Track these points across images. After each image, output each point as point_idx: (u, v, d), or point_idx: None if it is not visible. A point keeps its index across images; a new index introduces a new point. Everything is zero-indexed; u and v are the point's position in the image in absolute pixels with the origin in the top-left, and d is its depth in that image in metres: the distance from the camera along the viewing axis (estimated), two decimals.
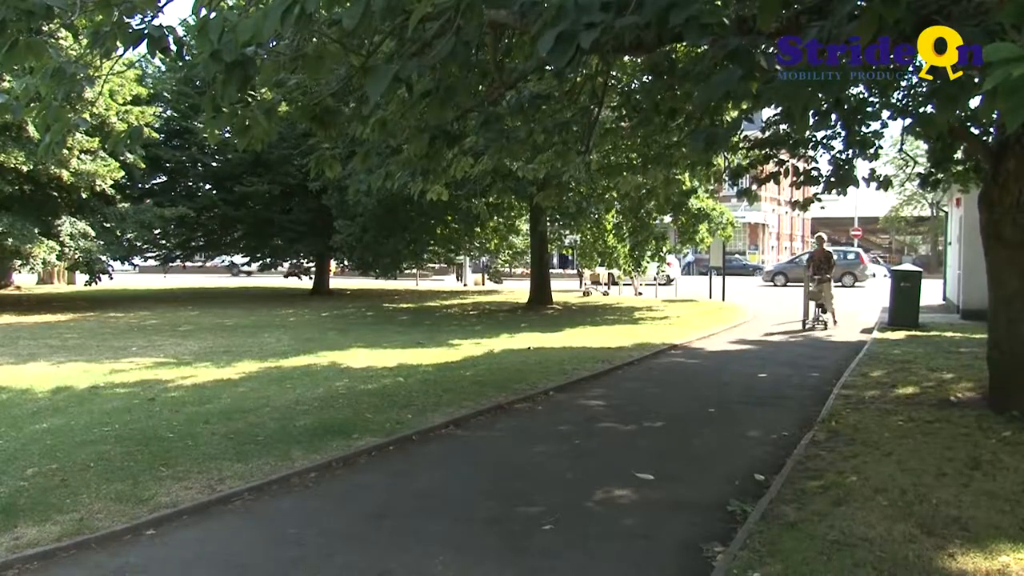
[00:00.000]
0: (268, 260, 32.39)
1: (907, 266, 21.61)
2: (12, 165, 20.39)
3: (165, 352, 13.15)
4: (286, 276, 34.19)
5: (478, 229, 28.15)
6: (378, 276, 30.54)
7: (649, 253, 25.00)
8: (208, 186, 30.52)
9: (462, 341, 14.62)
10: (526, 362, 11.66)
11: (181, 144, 29.61)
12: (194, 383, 9.98)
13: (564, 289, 30.40)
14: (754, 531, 4.71)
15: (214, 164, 29.74)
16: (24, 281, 35.89)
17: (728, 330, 16.97)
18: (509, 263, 37.03)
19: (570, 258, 39.64)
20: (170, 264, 34.60)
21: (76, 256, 24.16)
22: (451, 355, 12.63)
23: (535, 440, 7.39)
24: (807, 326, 16.57)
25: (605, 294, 29.94)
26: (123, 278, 36.73)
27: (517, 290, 31.60)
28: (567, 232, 27.79)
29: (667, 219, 24.07)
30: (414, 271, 36.89)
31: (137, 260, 34.52)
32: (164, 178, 30.34)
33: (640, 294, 29.26)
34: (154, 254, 32.41)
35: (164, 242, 31.18)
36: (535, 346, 13.70)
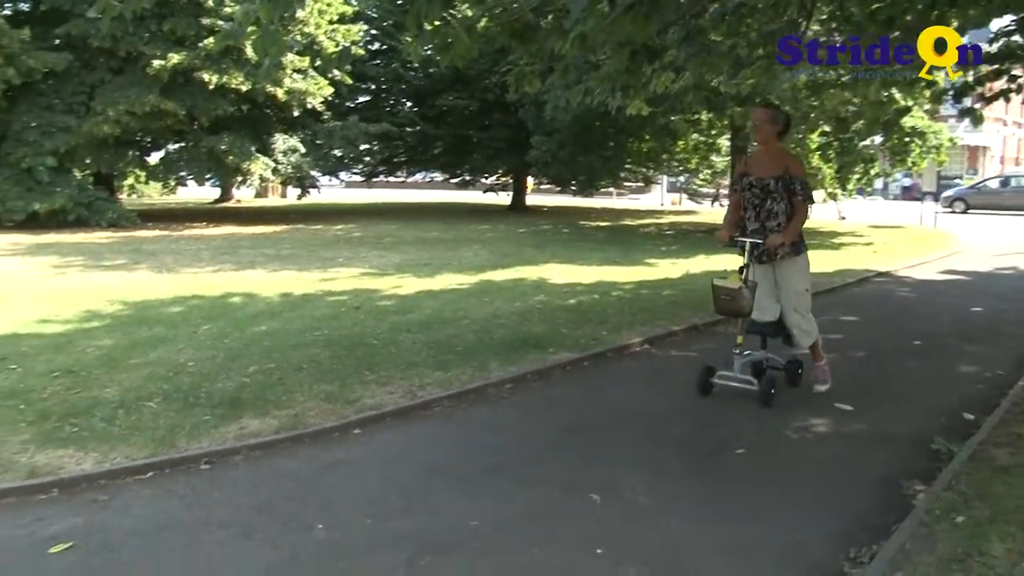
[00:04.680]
0: (466, 176, 33.04)
1: None
2: (233, 86, 21.59)
3: (369, 263, 13.77)
4: (484, 192, 34.79)
5: (677, 146, 27.60)
6: (574, 193, 30.60)
7: (856, 176, 23.76)
8: (409, 103, 31.32)
9: (658, 261, 14.50)
10: None
11: (384, 62, 30.41)
12: (396, 293, 10.42)
13: None
14: (960, 472, 4.43)
15: (416, 81, 30.42)
16: (243, 195, 38.32)
17: (939, 259, 15.96)
18: (708, 182, 36.19)
19: None
20: (374, 179, 35.94)
21: (288, 171, 25.54)
22: (647, 274, 12.57)
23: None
24: None
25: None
26: (330, 192, 38.53)
27: (715, 211, 30.87)
28: None
29: (877, 139, 22.69)
30: (611, 189, 36.67)
31: (343, 175, 36.06)
32: (368, 97, 31.36)
33: (844, 218, 27.92)
34: (359, 169, 33.75)
35: (368, 158, 32.36)
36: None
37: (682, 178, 37.17)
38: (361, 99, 30.93)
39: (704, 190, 38.03)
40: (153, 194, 38.81)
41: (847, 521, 4.02)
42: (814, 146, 23.38)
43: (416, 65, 28.60)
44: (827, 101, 13.92)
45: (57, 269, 12.99)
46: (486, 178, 33.44)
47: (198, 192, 38.76)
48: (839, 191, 25.15)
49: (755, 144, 6.50)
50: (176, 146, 26.28)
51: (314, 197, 30.85)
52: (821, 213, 28.73)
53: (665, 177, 37.56)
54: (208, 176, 26.49)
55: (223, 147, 22.89)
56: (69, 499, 4.28)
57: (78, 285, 11.16)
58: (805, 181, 6.02)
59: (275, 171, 24.97)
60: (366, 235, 19.80)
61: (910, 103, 17.15)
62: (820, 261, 14.75)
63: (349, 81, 25.49)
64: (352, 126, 26.22)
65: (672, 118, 21.86)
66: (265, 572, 3.52)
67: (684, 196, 38.14)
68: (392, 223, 23.65)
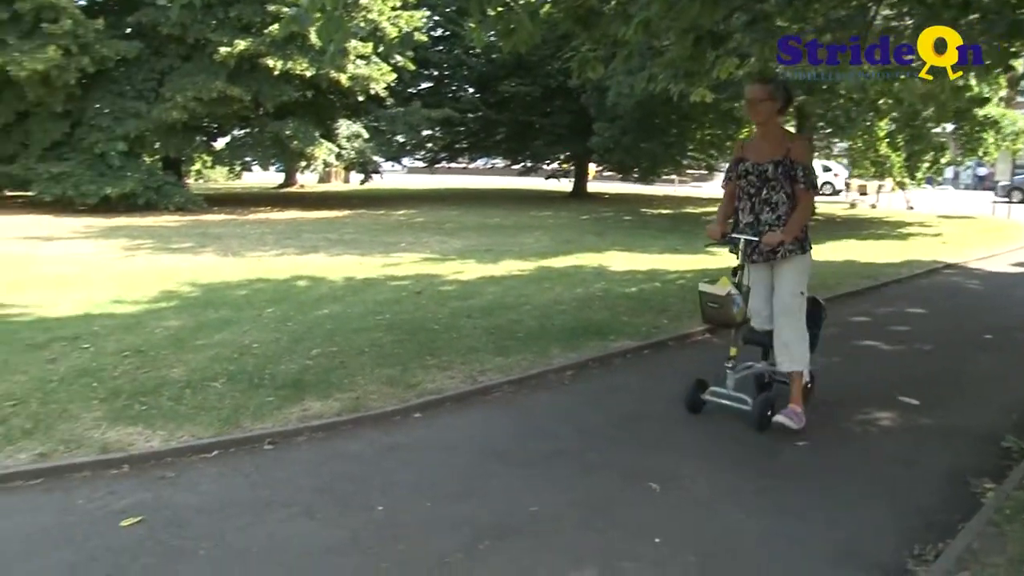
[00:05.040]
0: (528, 163, 33.04)
1: None
2: (297, 72, 21.86)
3: (431, 248, 13.86)
4: (546, 179, 34.75)
5: (740, 133, 27.24)
6: (636, 180, 30.40)
7: (926, 164, 23.22)
8: (471, 89, 31.39)
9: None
10: None
11: (447, 48, 30.51)
12: (458, 279, 10.47)
13: (828, 200, 28.91)
14: None
15: (478, 67, 30.48)
16: (306, 180, 38.79)
17: (1011, 251, 15.53)
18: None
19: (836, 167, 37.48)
20: (435, 165, 36.13)
21: (351, 157, 25.80)
22: (708, 262, 12.41)
23: None
24: None
25: (873, 206, 28.24)
26: (392, 178, 38.80)
27: None
28: (835, 140, 26.30)
29: (948, 127, 22.13)
30: (672, 176, 36.36)
31: (405, 161, 36.33)
32: (431, 83, 31.50)
33: (912, 208, 27.31)
34: (421, 155, 33.97)
35: (430, 144, 32.55)
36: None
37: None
38: (423, 85, 31.11)
39: None
40: (219, 179, 39.55)
41: (911, 517, 3.93)
42: (882, 134, 22.90)
43: (479, 51, 28.68)
44: (901, 91, 13.53)
45: (127, 252, 13.31)
46: (547, 164, 33.42)
47: (262, 177, 39.34)
48: (907, 180, 24.60)
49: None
50: (241, 131, 26.75)
51: (376, 182, 31.12)
52: (889, 203, 28.20)
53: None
54: (272, 161, 26.89)
55: (287, 132, 23.23)
56: (138, 475, 4.38)
57: (147, 267, 11.43)
58: (808, 166, 5.18)
59: (338, 156, 25.27)
60: (428, 220, 19.92)
61: (986, 91, 16.64)
62: (887, 251, 14.51)
63: (412, 67, 25.65)
64: (414, 112, 26.38)
65: (736, 105, 21.59)
66: (326, 552, 3.56)
67: None
68: (454, 209, 23.75)
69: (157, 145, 23.57)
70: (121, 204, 21.45)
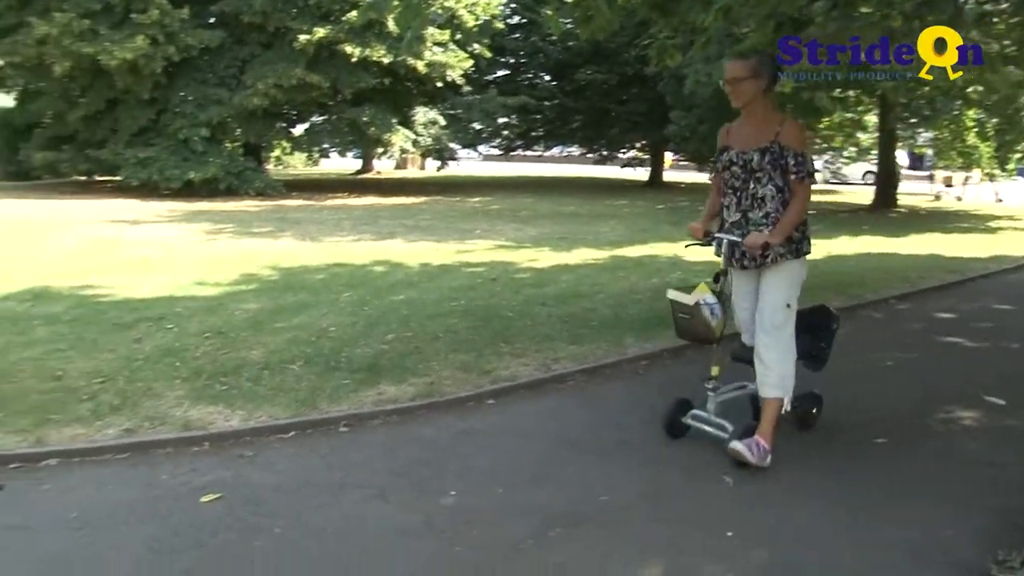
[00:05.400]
0: (604, 151, 32.87)
1: None
2: (375, 59, 22.07)
3: (506, 236, 13.88)
4: (622, 167, 34.52)
5: (821, 123, 26.64)
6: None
7: (1018, 155, 22.42)
8: (548, 77, 31.33)
9: None
10: (866, 267, 11.01)
11: (524, 35, 30.48)
12: (532, 266, 10.47)
13: (912, 192, 28.15)
14: None
15: (555, 55, 30.39)
16: (383, 167, 39.19)
17: None
18: (852, 160, 34.82)
19: (923, 158, 36.44)
20: (511, 152, 36.16)
21: (428, 143, 25.98)
22: None
23: (872, 349, 6.99)
24: None
25: (959, 199, 27.39)
26: (468, 165, 38.97)
27: (859, 191, 29.72)
28: (920, 130, 25.56)
29: None
30: None
31: (481, 148, 36.45)
32: (507, 70, 31.52)
33: (1001, 200, 26.40)
34: (496, 143, 34.04)
35: (506, 131, 32.58)
36: (877, 251, 12.91)
37: (824, 157, 35.79)
38: (500, 72, 31.14)
39: (843, 169, 36.62)
40: (297, 165, 40.16)
41: (995, 521, 3.79)
42: (970, 123, 22.17)
43: (556, 38, 28.56)
44: (993, 81, 13.01)
45: (209, 235, 13.62)
46: (623, 153, 33.18)
47: (339, 163, 39.88)
48: (997, 171, 23.79)
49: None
50: (320, 118, 27.12)
51: (452, 169, 31.29)
52: (976, 195, 27.34)
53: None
54: (350, 147, 27.24)
55: (365, 119, 23.50)
56: (218, 453, 4.48)
57: (228, 251, 11.68)
58: (803, 152, 4.34)
59: (415, 143, 25.47)
60: (503, 208, 19.96)
61: None
62: (974, 245, 14.06)
63: (488, 54, 25.68)
64: (491, 99, 26.44)
65: (817, 94, 21.07)
66: (400, 534, 3.60)
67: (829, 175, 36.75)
68: (529, 196, 23.75)
69: (238, 131, 24.05)
70: (204, 189, 21.95)
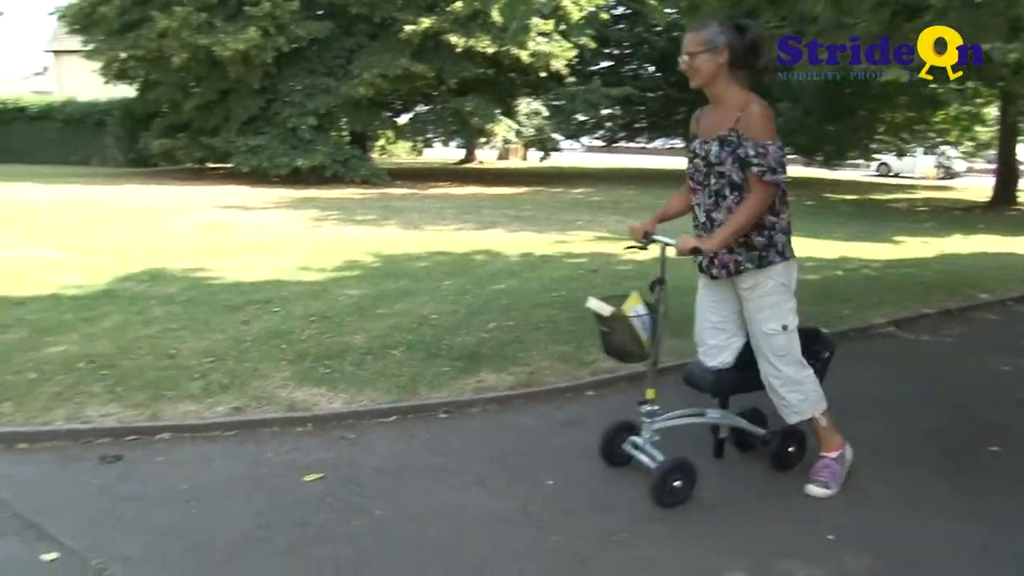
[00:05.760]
0: None
1: None
2: (479, 49, 22.21)
3: (607, 228, 13.81)
4: None
5: (937, 116, 25.74)
6: (820, 164, 29.28)
7: None
8: (652, 68, 31.02)
9: (907, 238, 13.63)
10: (981, 266, 10.58)
11: (628, 26, 30.24)
12: (633, 258, 10.29)
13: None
14: None
15: (659, 45, 30.06)
16: (485, 157, 39.43)
17: None
18: (969, 155, 33.56)
19: None
20: (614, 144, 35.96)
21: (530, 134, 26.02)
22: (895, 252, 11.85)
23: (986, 351, 6.71)
24: None
25: None
26: (571, 156, 38.92)
27: (975, 186, 28.57)
28: None
29: None
30: (859, 161, 34.78)
31: (584, 139, 36.36)
32: (611, 61, 31.32)
33: None
34: (599, 134, 33.89)
35: (609, 123, 32.40)
36: (994, 250, 12.39)
37: (939, 151, 34.54)
38: (604, 63, 30.95)
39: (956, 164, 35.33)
40: (401, 154, 40.74)
41: None
42: None
43: (660, 29, 28.24)
44: None
45: (315, 222, 13.94)
46: None
47: (442, 153, 40.29)
48: None
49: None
50: (424, 108, 27.43)
51: (554, 160, 31.28)
52: None
53: (920, 149, 35.07)
54: (453, 137, 27.50)
55: (468, 109, 23.67)
56: (321, 434, 4.60)
57: (333, 237, 11.93)
58: (765, 143, 3.59)
59: (518, 133, 25.55)
60: (605, 200, 19.87)
61: None
62: None
63: (593, 45, 25.55)
64: (594, 90, 26.32)
65: (933, 86, 20.34)
66: (498, 521, 3.63)
67: (941, 170, 35.48)
68: (631, 188, 23.58)
69: (344, 120, 24.54)
70: (311, 176, 22.47)
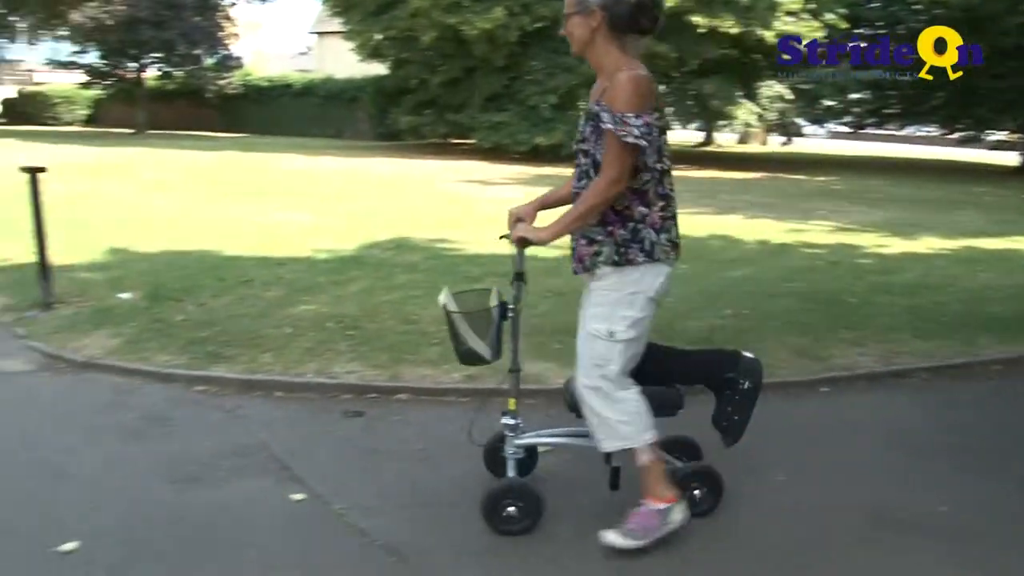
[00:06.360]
0: (968, 132, 30.15)
1: None
2: (723, 29, 21.70)
3: (850, 218, 13.20)
4: (991, 150, 31.50)
5: None
6: None
7: None
8: (905, 49, 29.14)
9: None
10: None
11: (883, 3, 28.51)
12: (877, 252, 9.88)
13: None
14: None
15: (916, 24, 28.16)
16: (723, 140, 38.60)
17: None
18: None
19: None
20: (861, 130, 34.18)
21: (772, 118, 25.21)
22: None
23: None
24: None
25: None
26: (813, 142, 37.39)
27: None
28: None
29: None
30: None
31: (829, 125, 34.79)
32: (863, 43, 29.69)
33: None
34: (846, 120, 32.28)
35: (857, 108, 30.80)
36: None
37: None
38: (854, 44, 29.40)
39: None
40: None
41: None
42: None
43: (920, 7, 26.45)
44: None
45: None
46: (990, 135, 30.21)
47: (679, 136, 39.75)
48: None
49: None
50: (663, 89, 27.15)
51: (796, 146, 30.17)
52: None
53: None
54: (692, 119, 27.10)
55: (709, 91, 23.21)
56: (548, 408, 4.61)
57: None
58: (625, 114, 2.93)
59: (759, 117, 24.84)
60: (849, 189, 19.01)
61: None
62: None
63: (843, 25, 24.24)
64: (843, 73, 25.02)
65: None
66: (724, 511, 3.56)
67: None
68: (878, 178, 22.38)
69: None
70: (548, 153, 22.86)
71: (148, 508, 3.54)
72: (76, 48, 34.88)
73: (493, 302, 3.40)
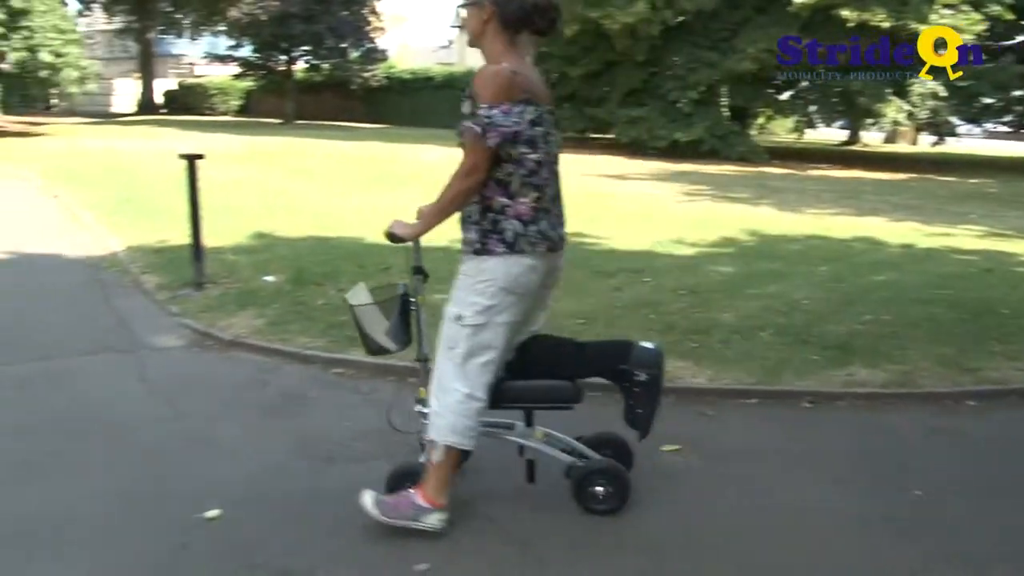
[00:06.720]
0: None
1: None
2: (874, 23, 20.89)
3: (1005, 224, 12.52)
4: None
5: None
6: None
7: None
8: None
9: None
10: None
11: None
12: None
13: None
14: None
15: None
16: (869, 139, 37.23)
17: None
18: None
19: None
20: (1022, 130, 32.30)
21: (924, 116, 24.14)
22: None
23: None
24: None
25: None
26: (968, 142, 35.60)
27: None
28: None
29: None
30: None
31: (987, 124, 32.99)
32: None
33: None
34: (1006, 118, 30.53)
35: (1019, 107, 29.10)
36: None
37: None
38: (1020, 38, 27.76)
39: None
40: (778, 132, 39.58)
41: None
42: None
43: None
44: None
45: (688, 196, 14.05)
46: None
47: (823, 134, 38.56)
48: None
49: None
50: (808, 84, 26.35)
51: (948, 146, 28.82)
52: None
53: None
54: (837, 117, 26.21)
55: (856, 87, 22.42)
56: (682, 406, 4.63)
57: (706, 213, 11.97)
58: (480, 105, 3.02)
59: (909, 116, 23.82)
60: (1005, 192, 18.08)
61: None
62: None
63: (1008, 17, 22.90)
64: (1005, 68, 23.70)
65: None
66: (854, 522, 3.45)
67: None
68: None
69: (725, 95, 24.30)
70: (687, 150, 22.59)
71: (285, 482, 3.71)
72: (232, 42, 36.70)
73: (399, 292, 3.46)
